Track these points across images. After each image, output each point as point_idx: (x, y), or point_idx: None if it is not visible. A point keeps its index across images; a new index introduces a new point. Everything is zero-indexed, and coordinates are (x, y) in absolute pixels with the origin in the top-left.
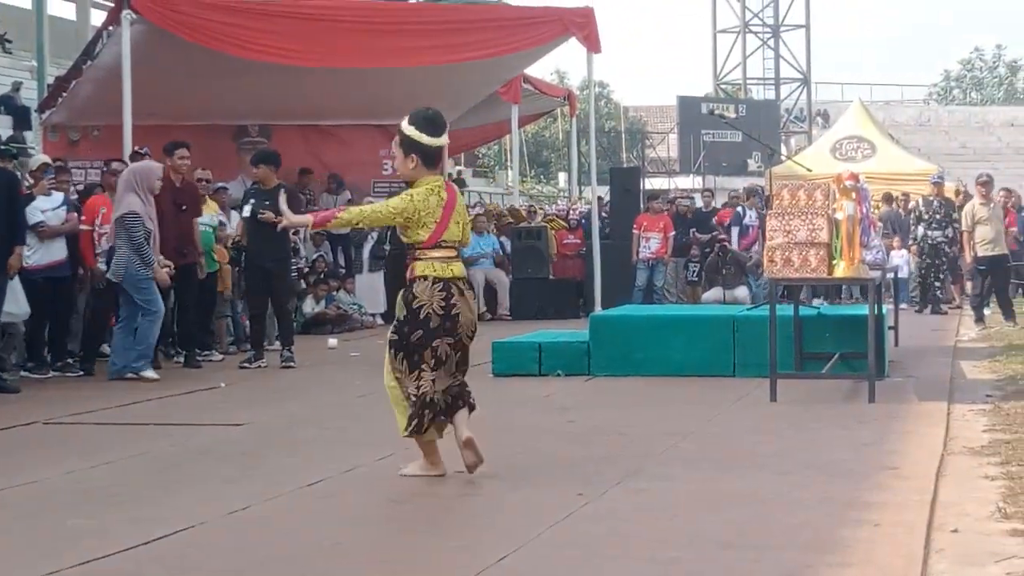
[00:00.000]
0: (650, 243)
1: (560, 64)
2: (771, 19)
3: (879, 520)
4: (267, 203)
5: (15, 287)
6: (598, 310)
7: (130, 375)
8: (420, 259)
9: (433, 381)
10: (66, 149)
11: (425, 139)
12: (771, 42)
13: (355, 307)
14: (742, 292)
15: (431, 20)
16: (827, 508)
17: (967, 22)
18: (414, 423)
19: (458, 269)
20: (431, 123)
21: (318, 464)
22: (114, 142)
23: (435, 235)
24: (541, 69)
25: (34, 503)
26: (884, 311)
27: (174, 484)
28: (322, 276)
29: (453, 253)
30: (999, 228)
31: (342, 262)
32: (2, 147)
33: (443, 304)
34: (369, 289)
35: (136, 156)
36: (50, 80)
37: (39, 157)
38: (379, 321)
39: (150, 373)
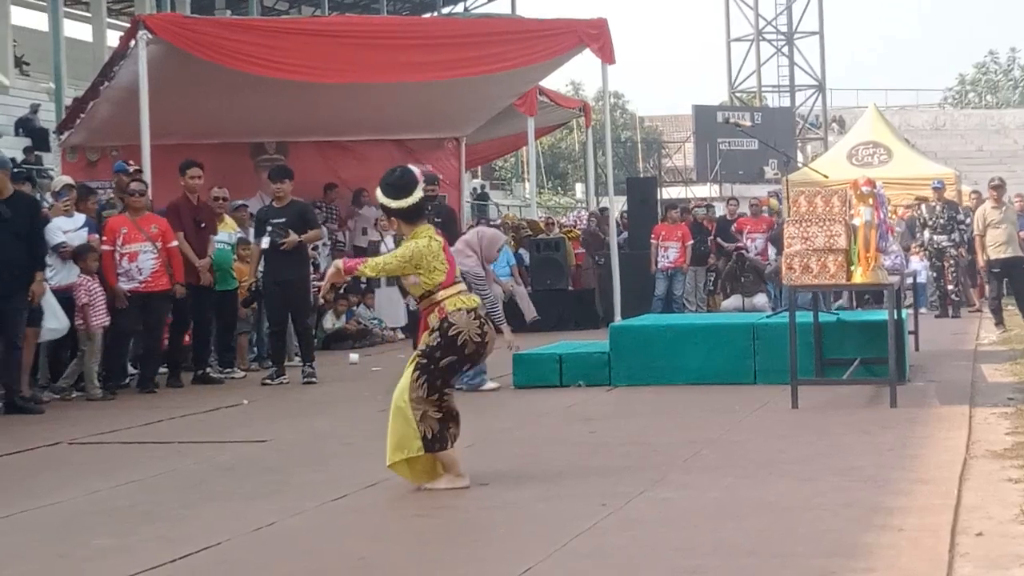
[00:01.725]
0: (668, 253)
1: (575, 75)
2: (785, 26)
3: (903, 525)
4: (284, 220)
5: (52, 303)
6: (618, 320)
7: None
8: (446, 298)
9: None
10: (85, 170)
11: (393, 204)
12: (785, 49)
13: (375, 322)
14: (761, 299)
15: (446, 34)
16: (850, 514)
17: (981, 25)
18: (443, 438)
19: (477, 300)
20: (395, 188)
21: (342, 479)
22: (132, 162)
23: (450, 274)
24: (556, 81)
25: (59, 523)
26: (904, 316)
27: (199, 502)
28: (342, 291)
29: (464, 287)
30: (1011, 231)
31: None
32: (15, 169)
33: (479, 332)
34: (388, 303)
35: (137, 174)
36: (67, 101)
37: (61, 179)
38: (399, 335)
39: None
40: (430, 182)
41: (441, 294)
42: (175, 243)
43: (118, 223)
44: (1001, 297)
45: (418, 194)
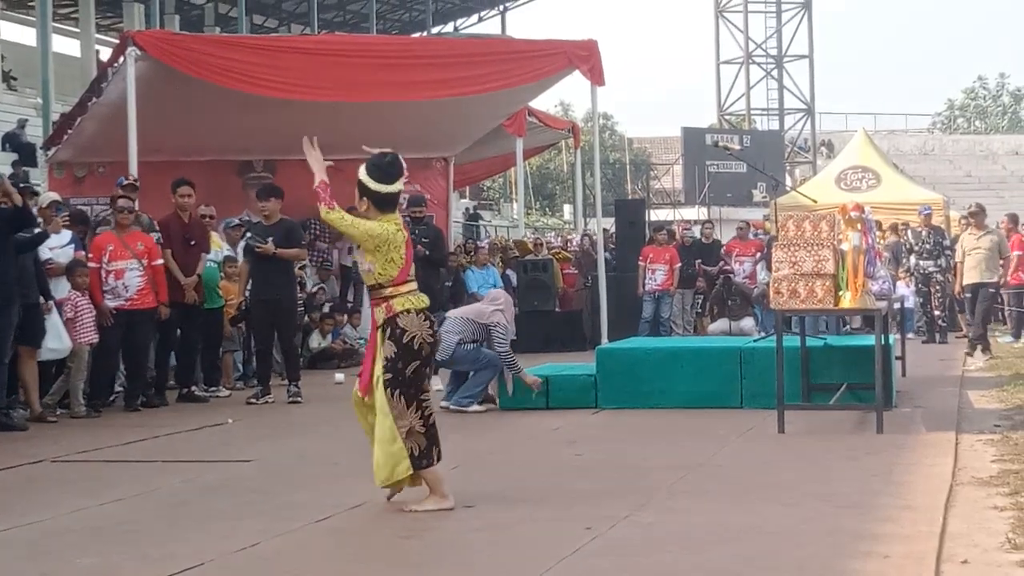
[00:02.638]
0: (656, 275)
1: (564, 96)
2: (774, 50)
3: (888, 552)
4: (270, 239)
5: (56, 323)
6: (605, 343)
7: None
8: (394, 296)
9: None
10: (72, 186)
11: (373, 185)
12: (775, 73)
13: (362, 341)
14: (748, 323)
15: (435, 54)
16: (836, 540)
17: (970, 51)
18: (429, 454)
19: (426, 300)
20: (383, 171)
21: (326, 500)
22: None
23: (404, 271)
24: (545, 101)
25: (43, 541)
26: (891, 341)
27: (183, 521)
28: (328, 311)
29: (415, 286)
30: (984, 256)
31: (350, 297)
32: None
33: (430, 333)
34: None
35: (131, 188)
36: (55, 117)
37: (48, 195)
38: None
39: None
40: (416, 204)
41: (391, 290)
42: (160, 261)
43: (104, 240)
44: (980, 322)
45: (399, 185)
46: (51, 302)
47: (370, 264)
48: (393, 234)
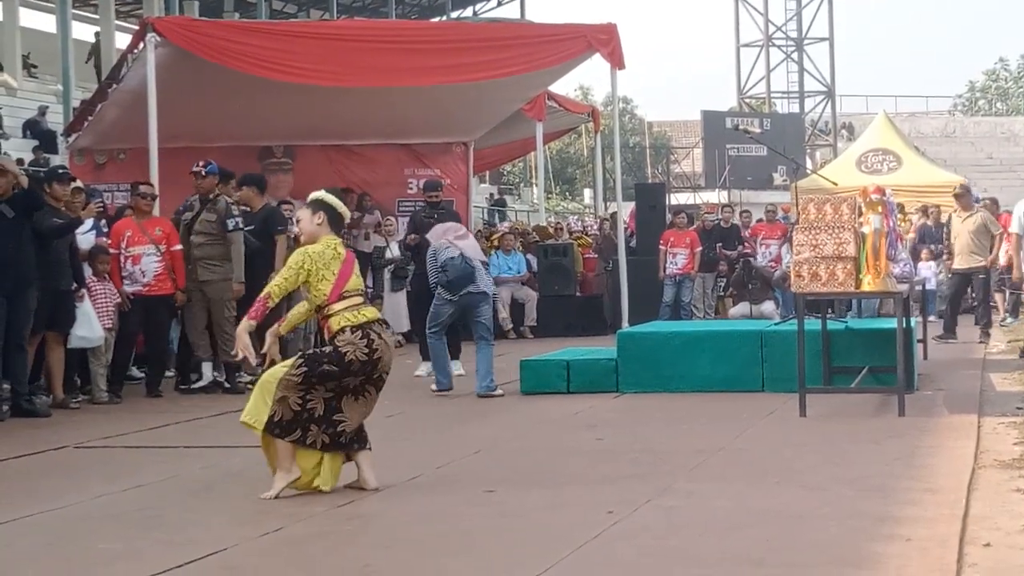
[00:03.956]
0: (677, 259)
1: (584, 80)
2: (794, 32)
3: (911, 535)
4: (251, 227)
5: (88, 311)
6: (625, 327)
7: None
8: (331, 315)
9: (326, 401)
10: (92, 173)
11: (331, 200)
12: (795, 55)
13: None
14: (768, 307)
15: (454, 39)
16: (858, 523)
17: (991, 32)
18: (286, 429)
19: (370, 312)
20: (340, 198)
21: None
22: (140, 165)
23: (337, 287)
24: (565, 85)
25: (65, 527)
26: (912, 324)
27: (206, 507)
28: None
29: (360, 300)
30: (968, 240)
31: (369, 283)
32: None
33: (366, 350)
34: (392, 309)
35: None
36: (75, 104)
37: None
38: (403, 341)
39: None
40: (433, 188)
41: (327, 309)
42: (179, 247)
43: (123, 226)
44: (979, 307)
45: (347, 213)
46: (84, 290)
47: (305, 292)
48: (320, 254)
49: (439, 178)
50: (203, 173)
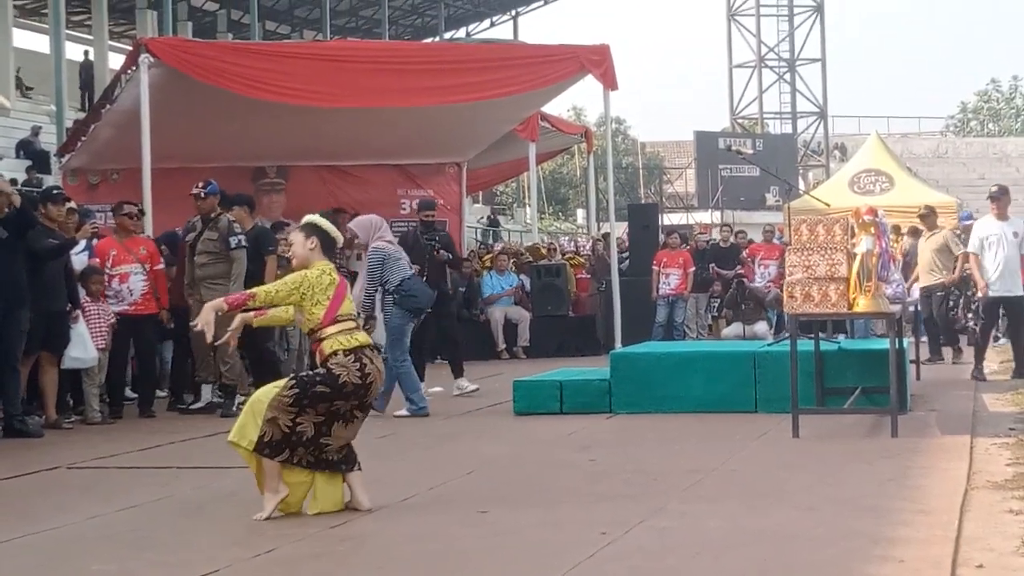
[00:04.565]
0: (670, 279)
1: (577, 100)
2: (787, 53)
3: (904, 556)
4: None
5: (82, 332)
6: (619, 347)
7: None
8: (324, 338)
9: (316, 425)
10: (86, 193)
11: (324, 225)
12: (787, 76)
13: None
14: (761, 327)
15: (448, 60)
16: (851, 544)
17: (983, 53)
18: (276, 449)
19: (363, 337)
20: (333, 220)
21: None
22: (133, 185)
23: (331, 312)
24: (558, 106)
25: (58, 548)
26: (905, 345)
27: (199, 527)
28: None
29: (352, 324)
30: (928, 259)
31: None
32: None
33: (359, 374)
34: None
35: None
36: (68, 124)
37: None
38: None
39: None
40: (428, 207)
41: (319, 332)
42: (161, 266)
43: (107, 245)
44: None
45: (340, 237)
46: (78, 311)
47: (298, 314)
48: (318, 278)
49: (432, 198)
50: (203, 195)
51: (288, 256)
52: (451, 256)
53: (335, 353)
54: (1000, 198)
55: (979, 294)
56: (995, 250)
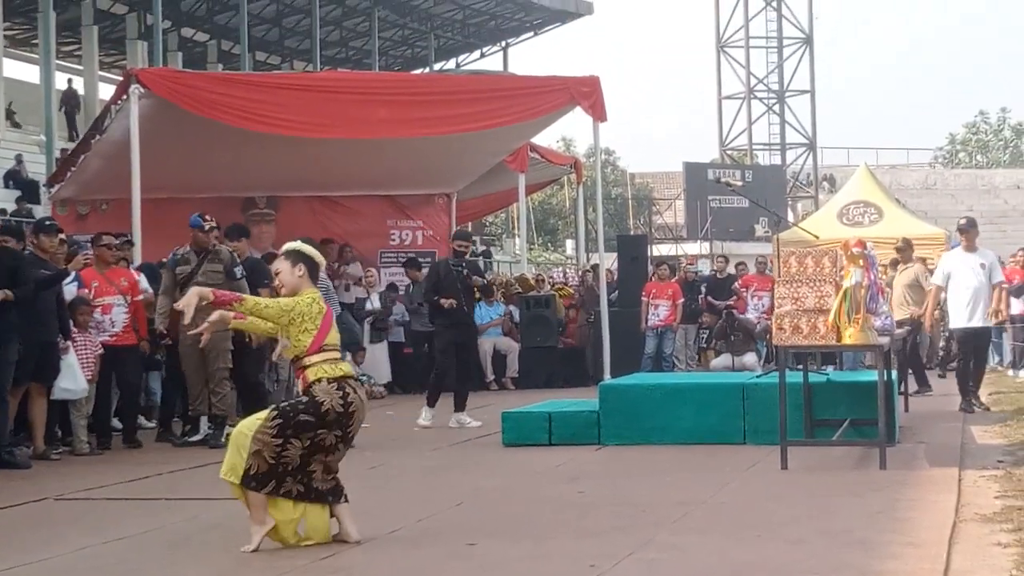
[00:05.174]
0: (659, 311)
1: (566, 131)
2: (776, 85)
3: None
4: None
5: (72, 364)
6: (607, 378)
7: None
8: (309, 366)
9: (300, 456)
10: (75, 223)
11: (309, 251)
12: (776, 108)
13: (364, 378)
14: (750, 359)
15: (438, 91)
16: None
17: (972, 86)
18: (263, 482)
19: (346, 368)
20: (314, 247)
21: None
22: (122, 215)
23: (317, 340)
24: (547, 136)
25: None
26: (894, 377)
27: (187, 559)
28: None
29: (337, 355)
30: (900, 292)
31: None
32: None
33: (342, 402)
34: (373, 360)
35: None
36: (57, 154)
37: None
38: (384, 392)
39: None
40: (464, 237)
41: (306, 360)
42: (141, 297)
43: (88, 276)
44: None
45: (323, 260)
46: (69, 343)
47: (285, 339)
48: (308, 306)
49: (465, 229)
50: (205, 228)
51: (276, 286)
52: (485, 282)
53: (319, 380)
54: (968, 230)
55: (927, 327)
56: (965, 282)
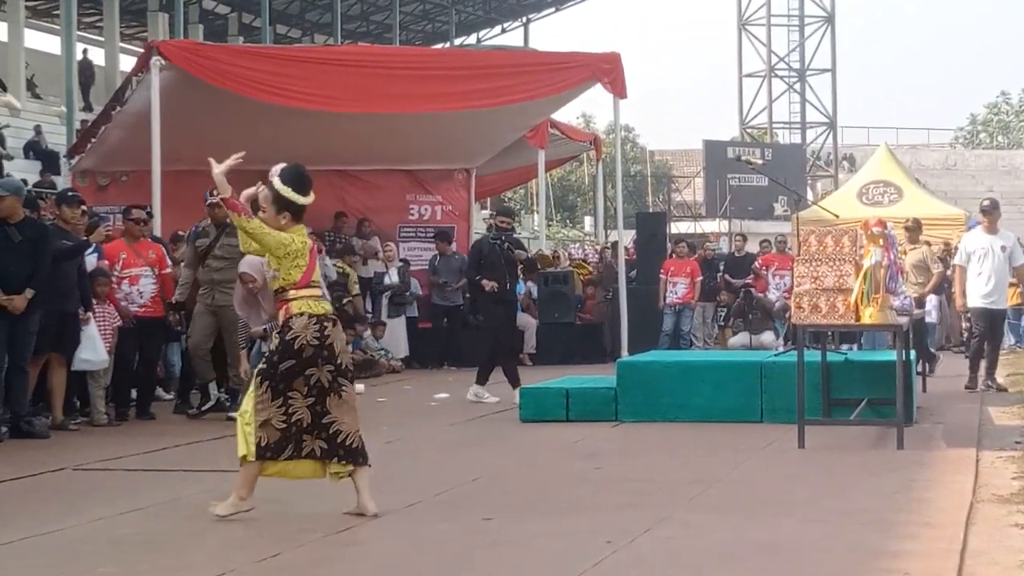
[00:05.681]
0: (677, 288)
1: (586, 108)
2: (797, 63)
3: (908, 569)
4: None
5: (93, 335)
6: (625, 355)
7: None
8: (294, 299)
9: (310, 408)
10: (95, 195)
11: (298, 199)
12: (797, 86)
13: (382, 352)
14: (768, 337)
15: (458, 66)
16: (856, 557)
17: (994, 66)
18: (278, 449)
19: (328, 306)
20: (301, 182)
21: (345, 511)
22: (142, 187)
23: (306, 275)
24: (567, 113)
25: (63, 550)
26: (912, 357)
27: (203, 531)
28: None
29: (320, 293)
30: (909, 273)
31: (369, 307)
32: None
33: (317, 336)
34: (391, 335)
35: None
36: (78, 125)
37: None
38: (402, 366)
39: None
40: (507, 213)
41: (292, 293)
42: (169, 270)
43: (117, 248)
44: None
45: (312, 196)
46: (89, 314)
47: (275, 271)
48: (301, 245)
49: (508, 205)
50: (218, 202)
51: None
52: (528, 256)
53: (301, 314)
54: (991, 212)
55: (958, 307)
56: (984, 263)
